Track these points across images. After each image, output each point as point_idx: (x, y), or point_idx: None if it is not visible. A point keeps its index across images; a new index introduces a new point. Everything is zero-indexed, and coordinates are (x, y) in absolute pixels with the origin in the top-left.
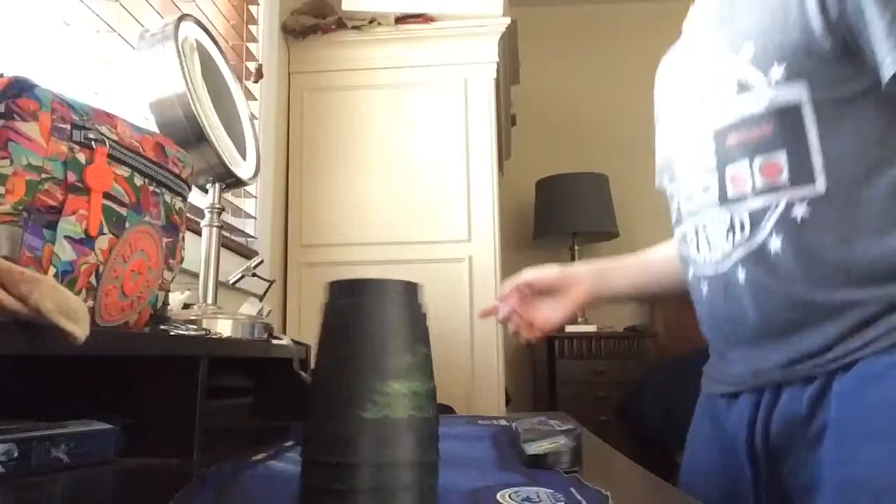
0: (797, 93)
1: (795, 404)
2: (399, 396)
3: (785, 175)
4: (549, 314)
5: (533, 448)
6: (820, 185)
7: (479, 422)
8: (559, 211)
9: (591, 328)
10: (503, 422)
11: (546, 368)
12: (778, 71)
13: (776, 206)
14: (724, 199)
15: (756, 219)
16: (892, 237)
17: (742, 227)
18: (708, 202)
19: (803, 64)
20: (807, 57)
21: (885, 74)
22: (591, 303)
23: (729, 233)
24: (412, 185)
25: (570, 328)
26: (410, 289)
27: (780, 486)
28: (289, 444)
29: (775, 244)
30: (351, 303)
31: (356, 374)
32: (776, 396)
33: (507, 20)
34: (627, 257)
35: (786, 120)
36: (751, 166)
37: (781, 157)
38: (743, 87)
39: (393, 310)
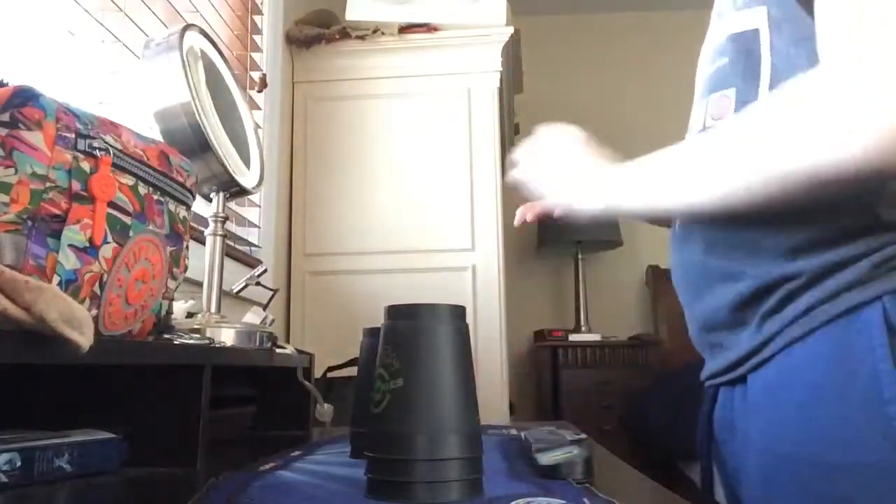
0: (756, 18)
1: (726, 407)
2: None
3: (730, 115)
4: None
5: (546, 458)
6: None
7: (489, 431)
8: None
9: (596, 337)
10: (512, 431)
11: (550, 377)
12: None
13: None
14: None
15: None
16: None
17: None
18: None
19: None
20: None
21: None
22: None
23: None
24: (416, 194)
25: (573, 337)
26: (460, 312)
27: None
28: (296, 453)
29: None
30: (411, 325)
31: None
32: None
33: (511, 29)
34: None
35: (740, 49)
36: (706, 105)
37: (731, 94)
38: (718, 15)
39: (446, 330)
